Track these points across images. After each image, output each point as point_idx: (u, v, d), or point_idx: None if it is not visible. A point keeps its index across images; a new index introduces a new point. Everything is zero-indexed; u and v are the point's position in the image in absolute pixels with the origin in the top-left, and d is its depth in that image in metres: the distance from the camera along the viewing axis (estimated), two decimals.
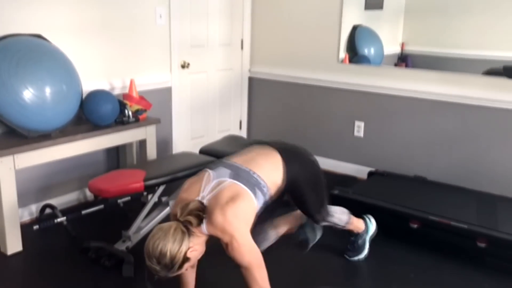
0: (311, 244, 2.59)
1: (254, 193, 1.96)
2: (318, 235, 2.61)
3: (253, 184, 1.97)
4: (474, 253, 2.76)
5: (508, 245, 2.62)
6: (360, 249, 2.76)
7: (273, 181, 2.09)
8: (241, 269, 1.88)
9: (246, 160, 2.09)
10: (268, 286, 1.91)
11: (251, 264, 1.86)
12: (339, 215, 2.54)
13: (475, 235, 2.72)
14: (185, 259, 1.76)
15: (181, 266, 1.77)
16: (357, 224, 2.69)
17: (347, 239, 2.80)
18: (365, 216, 2.79)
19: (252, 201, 1.95)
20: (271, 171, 2.09)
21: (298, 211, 2.50)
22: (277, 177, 2.11)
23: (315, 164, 2.33)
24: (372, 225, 2.79)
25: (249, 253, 1.86)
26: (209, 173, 1.99)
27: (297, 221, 2.57)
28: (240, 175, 1.98)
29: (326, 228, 2.94)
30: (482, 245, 2.70)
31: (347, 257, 2.78)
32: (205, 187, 1.93)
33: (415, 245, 2.94)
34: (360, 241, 2.75)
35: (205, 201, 1.88)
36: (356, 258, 2.76)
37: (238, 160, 2.10)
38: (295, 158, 2.21)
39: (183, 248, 1.74)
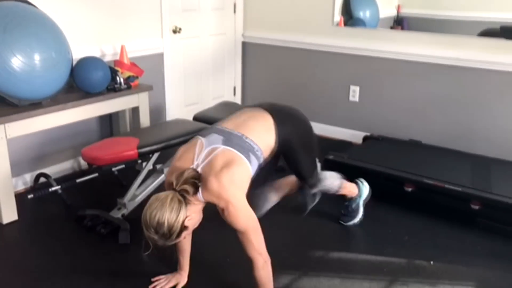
0: (309, 208, 2.60)
1: (248, 158, 1.95)
2: (317, 199, 2.61)
3: (247, 149, 1.97)
4: (467, 216, 2.78)
5: (501, 207, 2.65)
6: (354, 214, 2.77)
7: (266, 143, 2.08)
8: (238, 234, 1.89)
9: (238, 124, 2.07)
10: (265, 250, 1.93)
11: (247, 228, 1.87)
12: (332, 180, 2.53)
13: (469, 198, 2.74)
14: (183, 227, 1.77)
15: (179, 235, 1.78)
16: (350, 189, 2.70)
17: (341, 205, 2.81)
18: (358, 181, 2.80)
19: (246, 166, 1.94)
20: (263, 133, 2.08)
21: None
22: (270, 139, 2.10)
23: (307, 124, 2.32)
24: (366, 189, 2.80)
25: (245, 218, 1.87)
26: (201, 141, 1.97)
27: (295, 183, 2.57)
28: (232, 140, 1.96)
29: (321, 194, 2.96)
30: (476, 207, 2.73)
31: (342, 222, 2.80)
32: (198, 155, 1.92)
33: (410, 209, 2.97)
34: (354, 206, 2.76)
35: (199, 169, 1.88)
36: (351, 222, 2.78)
37: (229, 125, 2.08)
38: (287, 119, 2.20)
39: (181, 217, 1.75)
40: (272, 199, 2.47)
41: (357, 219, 2.78)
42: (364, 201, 2.78)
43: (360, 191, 2.76)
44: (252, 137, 2.01)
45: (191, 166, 1.89)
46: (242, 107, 2.35)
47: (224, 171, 1.85)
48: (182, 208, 1.75)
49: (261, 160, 2.06)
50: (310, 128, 2.33)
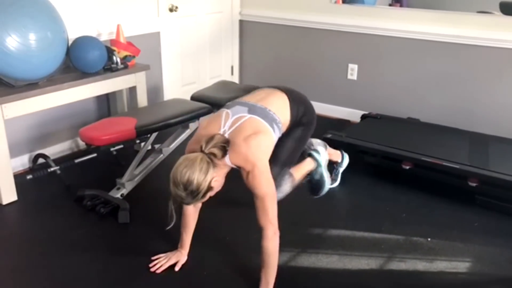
0: (325, 188, 2.67)
1: (272, 128, 2.06)
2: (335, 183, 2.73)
3: (270, 119, 2.07)
4: (465, 193, 2.80)
5: (498, 184, 2.66)
6: (321, 183, 2.68)
7: (284, 118, 2.19)
8: (255, 200, 1.93)
9: (259, 99, 2.16)
10: (276, 221, 1.96)
11: (267, 194, 1.91)
12: (284, 186, 2.43)
13: (467, 175, 2.75)
14: (209, 188, 1.83)
15: (205, 194, 1.83)
16: (305, 169, 2.64)
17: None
18: (310, 152, 2.71)
19: (272, 135, 2.05)
20: (282, 109, 2.18)
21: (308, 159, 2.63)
22: (287, 115, 2.21)
23: (313, 109, 2.42)
24: (321, 154, 2.70)
25: (267, 183, 1.92)
26: (227, 111, 2.05)
27: (310, 165, 2.65)
28: (257, 111, 2.06)
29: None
30: (473, 184, 2.74)
31: (314, 196, 2.73)
32: (225, 123, 1.99)
33: (407, 186, 2.98)
34: (317, 176, 2.67)
35: (226, 135, 1.95)
36: (323, 192, 2.70)
37: (251, 99, 2.17)
38: (300, 100, 2.31)
39: (208, 177, 1.80)
40: (289, 185, 2.46)
41: (326, 186, 2.69)
42: (325, 165, 2.70)
43: (316, 161, 2.67)
44: (274, 110, 2.11)
45: (219, 132, 1.95)
46: (255, 87, 2.41)
47: (253, 136, 1.93)
48: (210, 169, 1.81)
49: (281, 133, 2.16)
50: (314, 116, 2.42)
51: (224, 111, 2.07)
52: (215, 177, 1.84)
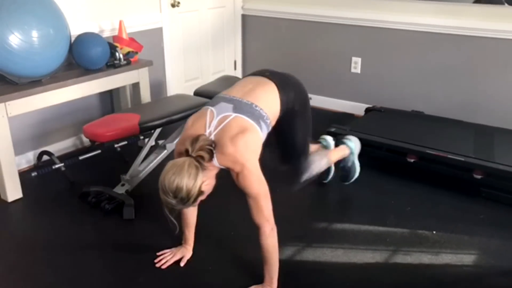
0: (355, 175, 2.75)
1: (259, 126, 1.98)
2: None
3: (257, 116, 1.99)
4: (470, 185, 2.79)
5: (504, 176, 2.65)
6: (352, 171, 2.83)
7: (273, 111, 2.11)
8: (248, 199, 1.91)
9: (245, 93, 2.07)
10: (272, 218, 1.95)
11: (259, 193, 1.89)
12: (318, 162, 2.54)
13: (472, 167, 2.74)
14: (200, 192, 1.80)
15: (195, 199, 1.81)
16: (340, 154, 2.75)
17: (338, 170, 2.89)
18: (344, 140, 2.81)
19: (259, 133, 1.98)
20: (270, 102, 2.10)
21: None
22: (276, 107, 2.12)
23: (304, 89, 2.33)
24: (354, 143, 2.82)
25: (258, 183, 1.90)
26: (211, 110, 1.98)
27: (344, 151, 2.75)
28: (243, 108, 1.98)
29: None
30: (479, 176, 2.73)
31: (345, 182, 2.87)
32: (210, 123, 1.93)
33: (412, 179, 2.97)
34: (349, 164, 2.82)
35: (212, 136, 1.90)
36: (352, 179, 2.85)
37: (237, 93, 2.08)
38: (289, 87, 2.21)
39: (198, 182, 1.77)
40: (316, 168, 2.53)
41: (356, 174, 2.84)
42: (357, 154, 2.84)
43: (350, 148, 2.80)
44: (261, 105, 2.03)
45: (204, 134, 1.90)
46: (245, 75, 2.34)
47: (240, 136, 1.87)
48: (199, 174, 1.77)
49: (270, 127, 2.09)
50: (307, 96, 2.34)
51: (208, 109, 1.99)
52: (205, 181, 1.80)
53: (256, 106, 2.01)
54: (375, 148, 3.06)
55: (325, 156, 2.62)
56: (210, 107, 2.00)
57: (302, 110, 2.27)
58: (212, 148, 1.85)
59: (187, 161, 1.77)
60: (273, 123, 2.12)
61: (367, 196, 2.83)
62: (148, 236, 2.44)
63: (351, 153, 2.80)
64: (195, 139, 1.83)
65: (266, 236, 1.93)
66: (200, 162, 1.80)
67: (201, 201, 1.97)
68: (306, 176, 2.45)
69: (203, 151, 1.81)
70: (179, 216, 2.19)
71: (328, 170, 2.87)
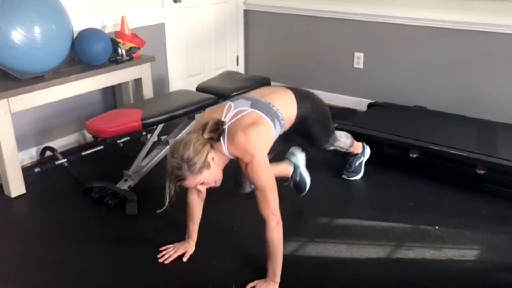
0: (306, 189, 2.66)
1: (273, 123, 2.04)
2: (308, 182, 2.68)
3: (273, 115, 2.05)
4: (473, 180, 2.78)
5: (506, 171, 2.64)
6: (358, 170, 2.92)
7: (288, 115, 2.18)
8: (256, 191, 1.93)
9: (263, 95, 2.16)
10: (278, 211, 1.96)
11: (267, 185, 1.91)
12: (345, 139, 2.71)
13: (475, 162, 2.74)
14: (206, 163, 1.84)
15: (201, 169, 1.83)
16: (357, 146, 2.86)
17: (344, 162, 2.93)
18: (362, 141, 2.96)
19: (272, 128, 2.03)
20: (287, 106, 2.18)
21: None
22: (292, 112, 2.20)
23: (324, 105, 2.43)
24: (367, 150, 2.97)
25: (266, 175, 1.91)
26: (230, 104, 2.06)
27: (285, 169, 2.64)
28: (259, 105, 2.05)
29: (319, 161, 3.01)
30: (481, 172, 2.72)
31: (346, 177, 2.92)
32: (226, 114, 1.99)
33: (415, 175, 2.97)
34: (358, 163, 2.91)
35: (226, 126, 1.94)
36: (354, 178, 2.92)
37: (255, 94, 2.17)
38: (307, 98, 2.31)
39: (206, 148, 1.84)
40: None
41: (359, 175, 2.93)
42: (365, 160, 2.95)
43: (364, 149, 2.93)
44: (278, 106, 2.10)
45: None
46: (260, 77, 2.51)
47: (252, 127, 1.92)
48: (207, 144, 1.86)
49: (283, 130, 2.15)
50: (327, 109, 2.44)
51: (227, 103, 2.07)
52: (212, 155, 1.87)
53: (273, 106, 2.09)
54: (378, 143, 3.06)
55: (351, 138, 2.76)
56: (229, 102, 2.08)
57: (318, 120, 2.36)
58: (219, 127, 1.90)
59: (196, 135, 1.87)
60: (287, 125, 2.19)
61: (370, 191, 2.83)
62: (151, 231, 2.45)
63: (363, 154, 2.93)
64: (205, 124, 1.91)
65: (272, 229, 1.94)
66: (209, 141, 1.88)
67: (206, 196, 1.98)
68: (335, 145, 2.61)
69: (212, 132, 1.88)
70: (180, 205, 2.20)
71: (355, 170, 2.94)
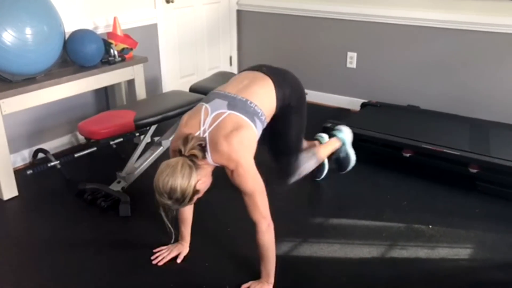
0: (351, 165, 2.76)
1: (254, 122, 1.97)
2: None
3: (252, 113, 1.98)
4: (466, 179, 2.80)
5: (499, 169, 2.66)
6: (347, 160, 2.82)
7: (268, 108, 2.10)
8: (244, 196, 1.91)
9: (240, 89, 2.06)
10: (269, 214, 1.95)
11: (255, 190, 1.89)
12: (307, 162, 2.49)
13: (468, 161, 2.75)
14: (195, 191, 1.79)
15: (191, 199, 1.80)
16: (330, 148, 2.74)
17: (332, 162, 2.90)
18: (333, 133, 2.81)
19: (253, 130, 1.97)
20: (266, 98, 2.09)
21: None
22: (272, 103, 2.12)
23: (301, 85, 2.32)
24: (345, 133, 2.81)
25: (253, 180, 1.89)
26: (206, 106, 1.97)
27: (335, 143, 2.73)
28: (237, 105, 1.97)
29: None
30: (474, 170, 2.74)
31: (342, 172, 2.87)
32: (204, 121, 1.92)
33: (408, 174, 2.98)
34: (343, 154, 2.82)
35: (206, 134, 1.89)
36: (348, 169, 2.84)
37: (232, 89, 2.07)
38: (286, 83, 2.21)
39: (192, 181, 1.76)
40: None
41: (352, 163, 2.83)
42: (350, 143, 2.82)
43: (341, 140, 2.79)
44: (256, 102, 2.02)
45: (198, 131, 1.90)
46: (241, 70, 2.33)
47: (234, 134, 1.86)
48: (193, 173, 1.76)
49: (265, 124, 2.08)
50: (303, 92, 2.34)
51: (203, 106, 1.98)
52: (200, 180, 1.79)
53: (251, 102, 2.00)
54: (371, 143, 3.07)
55: (314, 156, 2.56)
56: (205, 104, 1.99)
57: (298, 106, 2.26)
58: (203, 144, 1.84)
59: (180, 161, 1.76)
60: (268, 119, 2.11)
61: (363, 191, 2.84)
62: (144, 233, 2.44)
63: (343, 144, 2.80)
64: (186, 139, 1.83)
65: (263, 232, 1.93)
66: (193, 160, 1.79)
67: (198, 198, 1.97)
68: (295, 177, 2.43)
69: (195, 149, 1.80)
70: (177, 224, 2.20)
71: (321, 168, 2.87)
